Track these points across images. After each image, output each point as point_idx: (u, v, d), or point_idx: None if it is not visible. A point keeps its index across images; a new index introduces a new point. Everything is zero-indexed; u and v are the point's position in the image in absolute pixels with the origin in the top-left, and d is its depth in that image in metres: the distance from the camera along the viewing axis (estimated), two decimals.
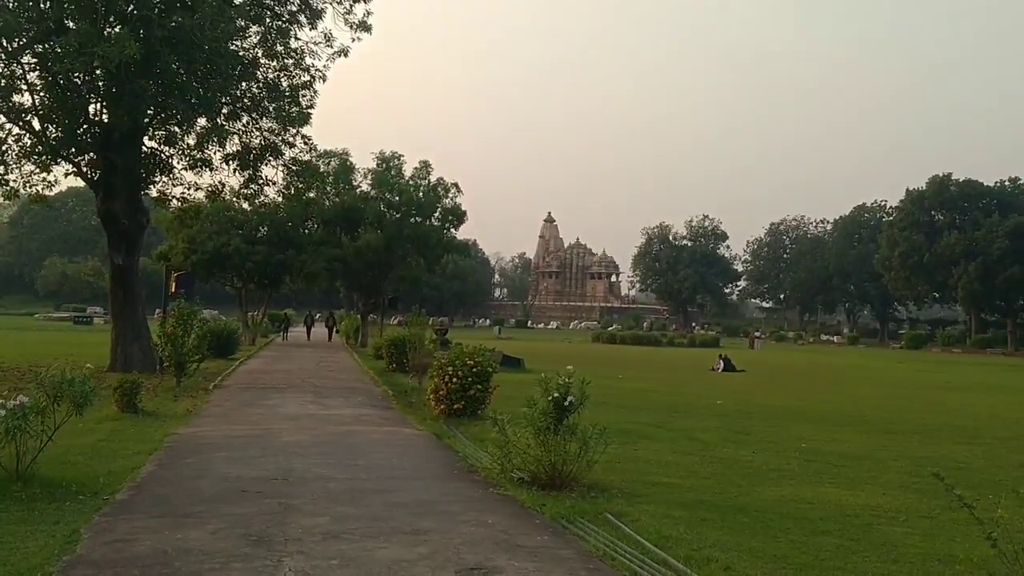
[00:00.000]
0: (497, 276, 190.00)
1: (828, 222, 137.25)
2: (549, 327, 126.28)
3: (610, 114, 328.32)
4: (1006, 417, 22.17)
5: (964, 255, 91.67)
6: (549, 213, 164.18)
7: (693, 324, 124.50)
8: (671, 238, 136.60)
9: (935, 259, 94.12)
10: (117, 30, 20.57)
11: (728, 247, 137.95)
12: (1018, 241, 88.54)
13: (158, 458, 11.82)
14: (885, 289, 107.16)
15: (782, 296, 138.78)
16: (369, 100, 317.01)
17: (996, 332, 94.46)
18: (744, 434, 16.52)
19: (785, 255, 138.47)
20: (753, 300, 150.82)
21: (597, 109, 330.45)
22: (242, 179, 27.84)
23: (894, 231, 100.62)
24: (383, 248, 48.38)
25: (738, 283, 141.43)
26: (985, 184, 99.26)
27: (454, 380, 15.78)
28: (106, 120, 23.89)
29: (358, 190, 50.46)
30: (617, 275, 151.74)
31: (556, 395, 10.13)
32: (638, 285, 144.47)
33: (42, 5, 21.18)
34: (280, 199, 34.77)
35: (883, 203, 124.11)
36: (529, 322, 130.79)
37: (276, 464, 11.48)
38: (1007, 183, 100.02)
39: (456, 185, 49.45)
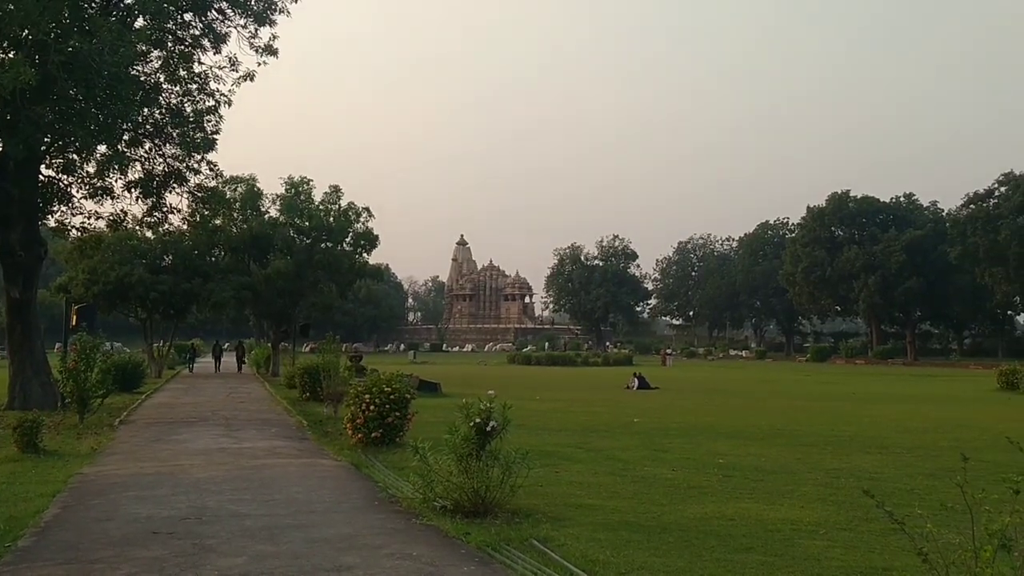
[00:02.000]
0: (411, 300, 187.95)
1: (734, 240, 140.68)
2: (464, 350, 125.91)
3: (523, 139, 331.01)
4: (911, 427, 22.80)
5: (864, 269, 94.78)
6: (462, 236, 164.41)
7: (607, 343, 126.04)
8: (583, 258, 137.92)
9: (836, 273, 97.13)
10: (11, 56, 19.81)
11: (639, 266, 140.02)
12: (914, 255, 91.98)
13: (62, 500, 11.32)
14: (790, 304, 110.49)
15: (691, 313, 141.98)
16: (279, 124, 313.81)
17: (896, 343, 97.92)
18: (663, 452, 16.60)
19: (693, 272, 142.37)
20: (664, 317, 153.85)
21: (510, 135, 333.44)
22: (145, 207, 27.08)
23: (797, 247, 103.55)
24: (293, 275, 47.50)
25: (649, 301, 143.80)
26: (881, 200, 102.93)
27: (371, 408, 15.49)
28: (0, 148, 22.98)
29: (266, 216, 49.44)
30: (531, 296, 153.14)
31: (478, 420, 9.97)
32: (552, 306, 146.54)
33: None
34: (185, 227, 33.84)
35: (785, 220, 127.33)
36: (444, 346, 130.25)
37: (188, 502, 11.07)
38: (902, 199, 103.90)
39: (368, 209, 48.96)
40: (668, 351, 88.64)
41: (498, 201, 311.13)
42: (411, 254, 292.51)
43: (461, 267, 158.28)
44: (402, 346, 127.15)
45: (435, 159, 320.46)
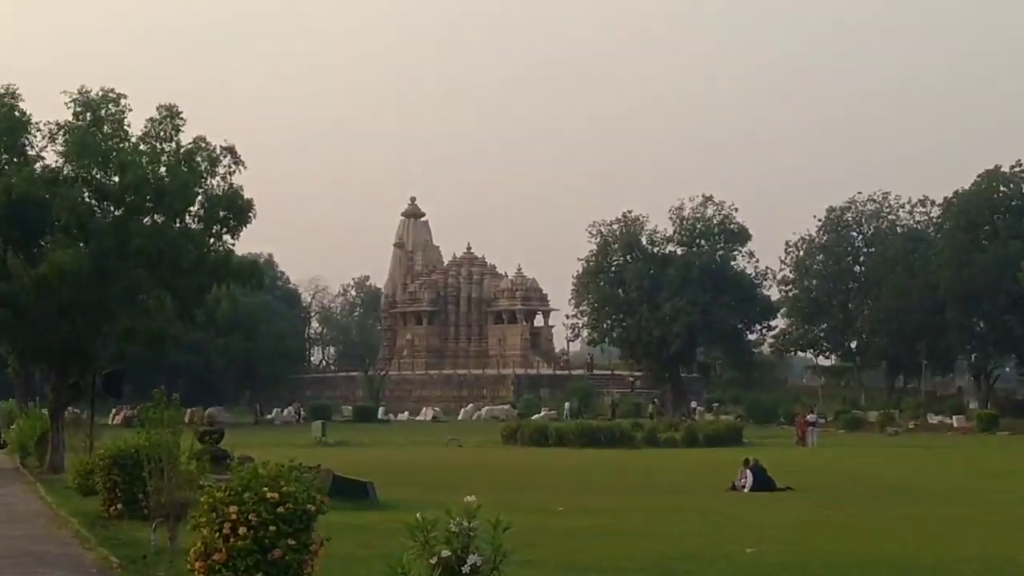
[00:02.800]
0: (316, 324, 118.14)
1: (932, 203, 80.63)
2: (420, 418, 72.94)
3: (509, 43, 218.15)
4: None
5: None
6: (412, 201, 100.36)
7: (692, 403, 75.08)
8: (645, 240, 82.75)
9: None
10: None
11: (752, 255, 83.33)
12: None
13: None
14: None
15: (853, 345, 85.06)
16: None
17: None
18: None
19: (857, 267, 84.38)
20: (801, 353, 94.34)
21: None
22: None
23: None
24: (93, 275, 27.13)
25: (770, 322, 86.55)
26: None
27: (242, 532, 9.79)
28: None
29: (38, 165, 28.88)
30: (546, 314, 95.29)
31: (445, 554, 6.92)
32: (586, 332, 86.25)
33: None
34: None
35: None
36: (381, 410, 73.33)
37: None
38: None
39: (232, 152, 28.12)
40: (811, 416, 51.84)
41: (484, 153, 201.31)
42: (319, 243, 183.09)
43: (411, 259, 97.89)
44: (301, 411, 71.41)
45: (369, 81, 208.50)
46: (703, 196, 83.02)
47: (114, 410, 58.44)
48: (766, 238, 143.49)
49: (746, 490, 26.24)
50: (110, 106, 27.69)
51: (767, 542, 17.14)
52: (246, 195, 28.37)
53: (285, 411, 73.93)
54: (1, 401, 52.21)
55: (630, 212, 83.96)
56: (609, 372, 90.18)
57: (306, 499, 10.37)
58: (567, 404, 69.45)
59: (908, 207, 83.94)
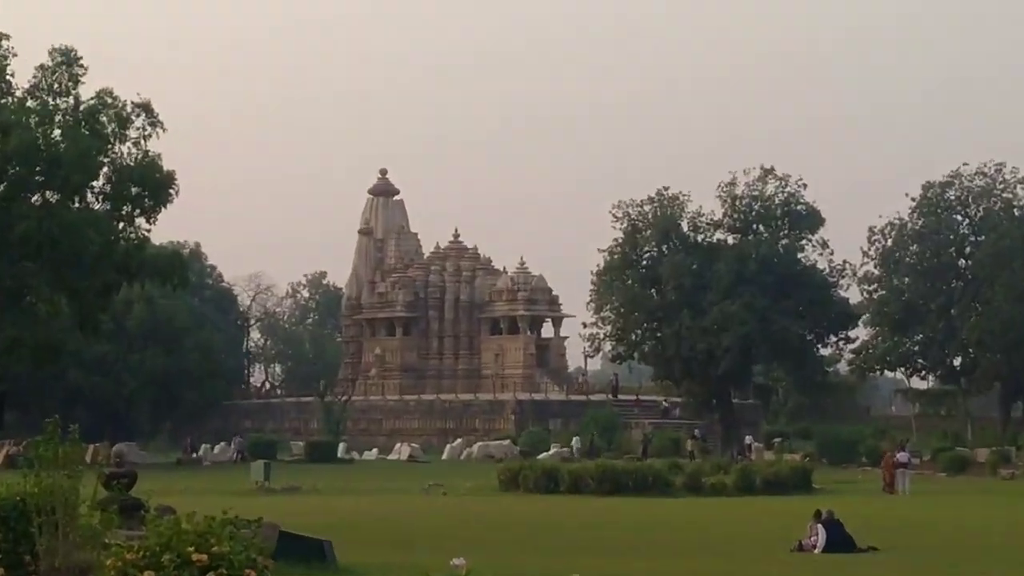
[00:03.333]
0: (258, 335, 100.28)
1: None
2: (393, 457, 61.10)
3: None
4: None
5: None
6: (383, 175, 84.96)
7: (748, 438, 61.10)
8: (687, 226, 67.33)
9: None
10: None
11: (824, 246, 67.02)
12: None
13: None
14: None
15: (957, 362, 71.73)
16: None
17: None
18: None
19: (962, 259, 70.70)
20: (889, 373, 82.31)
21: None
22: None
23: None
24: None
25: (850, 332, 70.43)
26: None
27: None
28: None
29: None
30: (557, 321, 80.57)
31: None
32: (610, 345, 71.06)
33: None
34: None
35: None
36: (342, 446, 61.51)
37: None
38: None
39: (147, 109, 26.20)
40: (902, 455, 42.99)
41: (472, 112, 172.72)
42: (260, 230, 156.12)
43: (382, 250, 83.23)
44: (241, 447, 60.22)
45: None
46: (762, 168, 65.99)
47: None
48: (844, 223, 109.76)
49: (817, 550, 22.56)
50: None
51: None
52: (165, 166, 25.63)
53: (217, 448, 61.30)
54: None
55: (666, 189, 67.03)
56: (638, 397, 74.31)
57: (244, 562, 9.70)
58: (575, 439, 59.09)
59: None
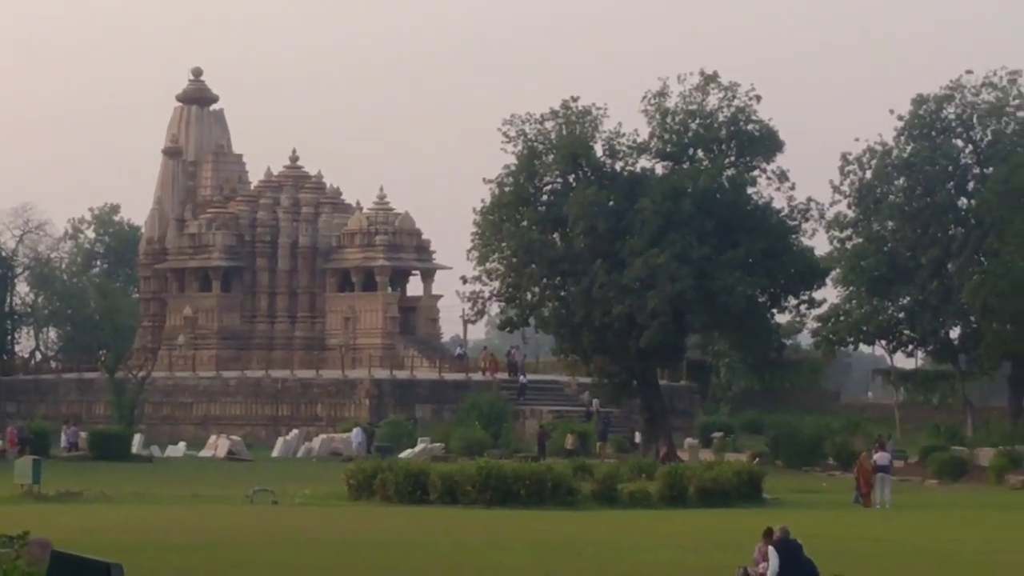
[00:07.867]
0: (26, 288, 78.68)
1: None
2: (204, 453, 51.16)
3: None
4: None
5: None
6: (197, 76, 69.47)
7: (681, 434, 54.32)
8: (601, 149, 51.01)
9: None
10: None
11: (783, 178, 50.56)
12: None
13: None
14: None
15: (954, 334, 60.09)
16: None
17: None
18: None
19: (963, 197, 59.56)
20: (865, 347, 68.91)
21: None
22: None
23: None
24: None
25: (815, 292, 53.38)
26: None
27: None
28: None
29: None
30: (428, 275, 67.33)
31: None
32: (498, 308, 53.89)
33: None
34: None
35: None
36: (139, 437, 50.51)
37: None
38: None
39: None
40: (881, 456, 35.31)
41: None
42: (30, 148, 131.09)
43: (194, 176, 68.27)
44: (24, 437, 47.35)
45: None
46: (701, 74, 51.08)
47: None
48: (810, 149, 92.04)
49: None
50: None
51: None
52: None
53: None
54: None
55: (575, 101, 51.94)
56: (535, 377, 61.41)
57: None
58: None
59: None
